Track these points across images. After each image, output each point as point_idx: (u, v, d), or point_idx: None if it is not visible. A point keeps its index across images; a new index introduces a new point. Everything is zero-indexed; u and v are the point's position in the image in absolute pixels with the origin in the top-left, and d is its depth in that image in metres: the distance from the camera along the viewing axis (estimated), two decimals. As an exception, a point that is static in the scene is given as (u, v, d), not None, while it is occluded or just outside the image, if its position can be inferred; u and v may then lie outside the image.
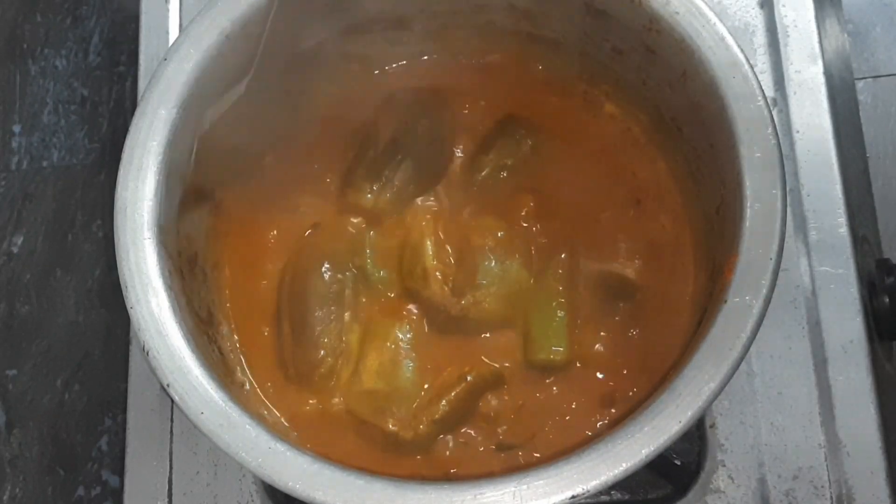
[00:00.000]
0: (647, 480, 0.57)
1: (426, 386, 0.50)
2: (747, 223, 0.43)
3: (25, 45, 0.72)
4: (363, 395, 0.50)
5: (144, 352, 0.43)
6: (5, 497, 0.63)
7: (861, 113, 0.65)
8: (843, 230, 0.57)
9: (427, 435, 0.49)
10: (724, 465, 0.54)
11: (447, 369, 0.50)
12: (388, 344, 0.51)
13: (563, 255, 0.52)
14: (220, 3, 0.47)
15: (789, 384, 0.55)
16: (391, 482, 0.40)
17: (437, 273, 0.51)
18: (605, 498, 0.57)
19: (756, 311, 0.42)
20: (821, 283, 0.56)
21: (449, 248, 0.52)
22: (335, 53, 0.54)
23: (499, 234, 0.52)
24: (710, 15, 0.45)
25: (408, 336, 0.51)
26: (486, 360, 0.51)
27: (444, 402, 0.49)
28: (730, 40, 0.45)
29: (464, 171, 0.54)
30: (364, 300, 0.52)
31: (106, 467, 0.63)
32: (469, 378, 0.50)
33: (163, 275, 0.44)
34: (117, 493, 0.58)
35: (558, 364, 0.50)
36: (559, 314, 0.51)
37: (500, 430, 0.50)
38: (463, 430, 0.50)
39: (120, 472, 0.57)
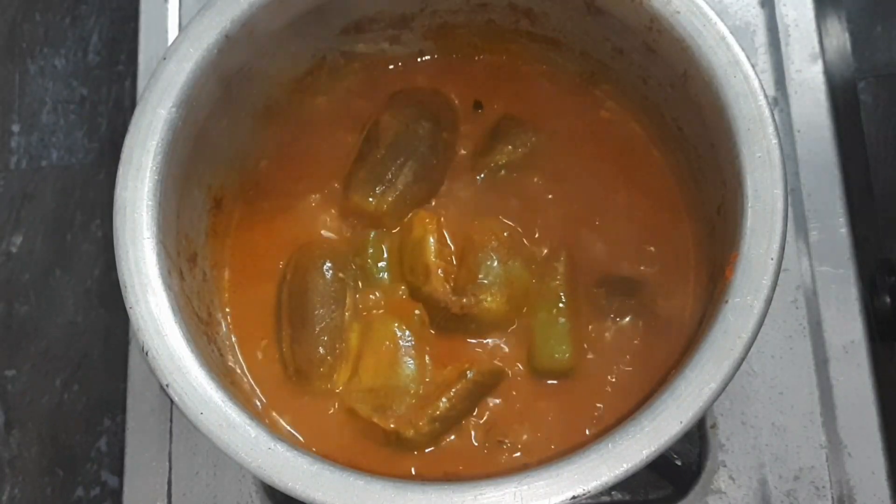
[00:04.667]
0: (647, 481, 0.57)
1: (426, 383, 0.50)
2: (748, 223, 0.43)
3: (25, 45, 0.72)
4: (363, 393, 0.50)
5: (144, 352, 0.43)
6: (4, 497, 0.63)
7: (862, 112, 0.65)
8: (844, 230, 0.57)
9: (428, 433, 0.49)
10: (725, 466, 0.54)
11: (448, 367, 0.50)
12: (389, 342, 0.51)
13: (563, 256, 0.52)
14: (220, 2, 0.47)
15: (790, 384, 0.55)
16: (391, 482, 0.40)
17: (439, 270, 0.51)
18: (605, 498, 0.57)
19: (757, 311, 0.42)
20: (822, 283, 0.56)
21: (451, 246, 0.52)
22: (335, 53, 0.54)
23: (503, 234, 0.52)
24: (711, 14, 0.45)
25: (409, 335, 0.51)
26: (486, 358, 0.51)
27: (444, 399, 0.49)
28: (730, 40, 0.45)
29: (465, 172, 0.54)
30: (365, 299, 0.52)
31: (105, 468, 0.63)
32: (469, 375, 0.50)
33: (162, 275, 0.44)
34: (116, 494, 0.58)
35: (562, 370, 0.50)
36: (561, 320, 0.51)
37: (500, 429, 0.50)
38: (463, 429, 0.50)
39: (119, 472, 0.57)
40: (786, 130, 0.59)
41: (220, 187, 0.52)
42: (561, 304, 0.51)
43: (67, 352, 0.65)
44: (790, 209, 0.51)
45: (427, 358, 0.51)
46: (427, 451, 0.49)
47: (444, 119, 0.55)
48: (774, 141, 0.44)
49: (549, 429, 0.50)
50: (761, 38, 0.61)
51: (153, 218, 0.44)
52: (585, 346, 0.51)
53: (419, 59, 0.56)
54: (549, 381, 0.50)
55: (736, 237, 0.43)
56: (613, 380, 0.50)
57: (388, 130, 0.54)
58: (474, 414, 0.50)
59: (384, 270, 0.53)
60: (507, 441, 0.50)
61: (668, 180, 0.53)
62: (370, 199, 0.53)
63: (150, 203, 0.45)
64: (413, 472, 0.49)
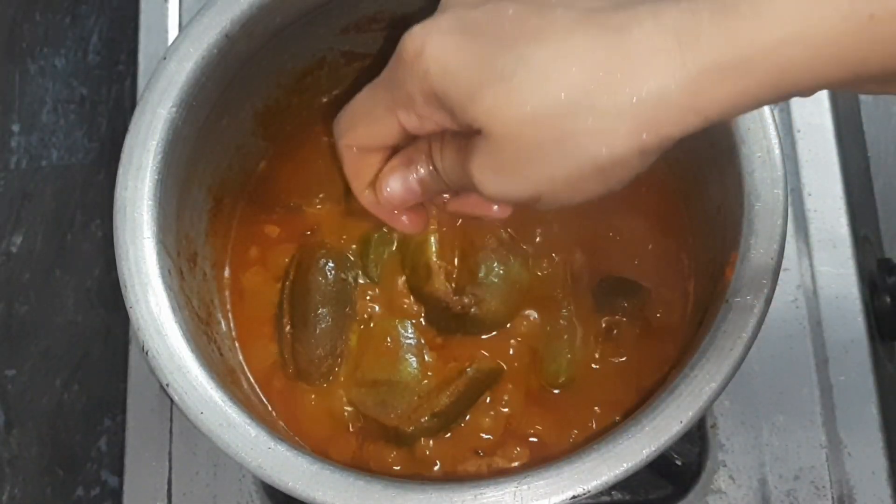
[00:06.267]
0: (647, 481, 0.57)
1: (427, 381, 0.50)
2: (748, 223, 0.43)
3: (24, 45, 0.72)
4: (364, 389, 0.50)
5: (144, 351, 0.43)
6: (4, 497, 0.63)
7: (862, 112, 0.65)
8: (845, 230, 0.57)
9: (427, 428, 0.49)
10: (726, 466, 0.54)
11: (448, 364, 0.51)
12: (390, 341, 0.51)
13: (561, 257, 0.52)
14: (220, 2, 0.47)
15: (790, 384, 0.55)
16: (391, 482, 0.40)
17: (441, 270, 0.51)
18: (605, 498, 0.57)
19: (757, 310, 0.42)
20: (822, 283, 0.56)
21: (452, 246, 0.52)
22: (335, 53, 0.54)
23: (503, 234, 0.52)
24: (711, 14, 0.45)
25: (410, 332, 0.51)
26: (486, 356, 0.51)
27: (444, 395, 0.49)
28: (731, 39, 0.45)
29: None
30: (366, 298, 0.52)
31: (105, 467, 0.63)
32: (469, 371, 0.50)
33: (162, 274, 0.44)
34: (116, 494, 0.58)
35: (564, 384, 0.50)
36: (564, 336, 0.51)
37: (501, 428, 0.50)
38: (464, 426, 0.50)
39: (119, 472, 0.57)
40: (786, 130, 0.59)
41: (220, 187, 0.52)
42: (564, 311, 0.51)
43: (67, 352, 0.65)
44: (791, 209, 0.51)
45: (427, 356, 0.51)
46: (426, 449, 0.50)
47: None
48: (774, 141, 0.44)
49: (550, 428, 0.50)
50: (761, 37, 0.61)
51: (153, 218, 0.44)
52: (587, 350, 0.51)
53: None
54: (553, 391, 0.51)
55: (736, 237, 0.43)
56: (614, 381, 0.50)
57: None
58: (475, 409, 0.50)
59: (385, 270, 0.53)
60: (506, 439, 0.50)
61: (668, 180, 0.53)
62: None
63: (150, 203, 0.45)
64: (413, 472, 0.49)
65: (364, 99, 0.39)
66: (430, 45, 0.33)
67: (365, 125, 0.39)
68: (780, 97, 0.30)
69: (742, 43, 0.29)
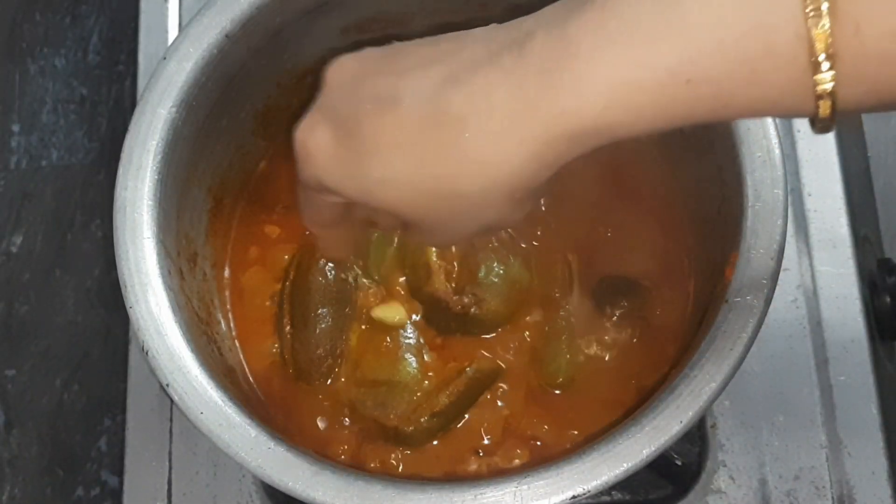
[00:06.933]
0: (647, 481, 0.57)
1: (426, 381, 0.50)
2: (748, 223, 0.43)
3: (25, 45, 0.72)
4: (364, 389, 0.50)
5: (144, 351, 0.43)
6: (4, 497, 0.63)
7: (862, 113, 0.65)
8: (845, 230, 0.57)
9: (427, 428, 0.49)
10: (725, 466, 0.54)
11: (448, 364, 0.51)
12: (390, 341, 0.51)
13: (561, 257, 0.52)
14: (220, 2, 0.47)
15: (790, 384, 0.55)
16: (391, 482, 0.40)
17: (441, 270, 0.51)
18: (605, 498, 0.57)
19: (757, 310, 0.42)
20: (822, 283, 0.56)
21: (452, 246, 0.52)
22: (335, 53, 0.54)
23: (501, 234, 0.52)
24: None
25: (409, 332, 0.51)
26: (486, 356, 0.51)
27: (444, 395, 0.49)
28: (731, 39, 0.45)
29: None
30: (367, 299, 0.52)
31: (105, 467, 0.62)
32: (468, 371, 0.50)
33: (162, 274, 0.44)
34: (116, 494, 0.58)
35: (564, 384, 0.50)
36: (563, 337, 0.51)
37: (501, 428, 0.50)
38: (463, 426, 0.50)
39: (119, 472, 0.57)
40: (786, 130, 0.59)
41: (220, 187, 0.52)
42: (563, 311, 0.51)
43: (67, 352, 0.65)
44: (791, 209, 0.51)
45: (427, 356, 0.51)
46: (426, 448, 0.50)
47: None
48: (774, 141, 0.44)
49: (550, 428, 0.50)
50: (761, 37, 0.60)
51: (153, 218, 0.44)
52: (586, 350, 0.51)
53: (419, 59, 0.56)
54: (553, 391, 0.51)
55: (736, 237, 0.43)
56: (614, 381, 0.50)
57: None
58: (474, 409, 0.50)
59: (385, 270, 0.53)
60: (506, 439, 0.50)
61: (668, 180, 0.53)
62: None
63: (150, 203, 0.45)
64: (413, 472, 0.49)
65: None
66: (313, 153, 0.37)
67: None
68: (622, 139, 0.33)
69: (567, 115, 0.31)
